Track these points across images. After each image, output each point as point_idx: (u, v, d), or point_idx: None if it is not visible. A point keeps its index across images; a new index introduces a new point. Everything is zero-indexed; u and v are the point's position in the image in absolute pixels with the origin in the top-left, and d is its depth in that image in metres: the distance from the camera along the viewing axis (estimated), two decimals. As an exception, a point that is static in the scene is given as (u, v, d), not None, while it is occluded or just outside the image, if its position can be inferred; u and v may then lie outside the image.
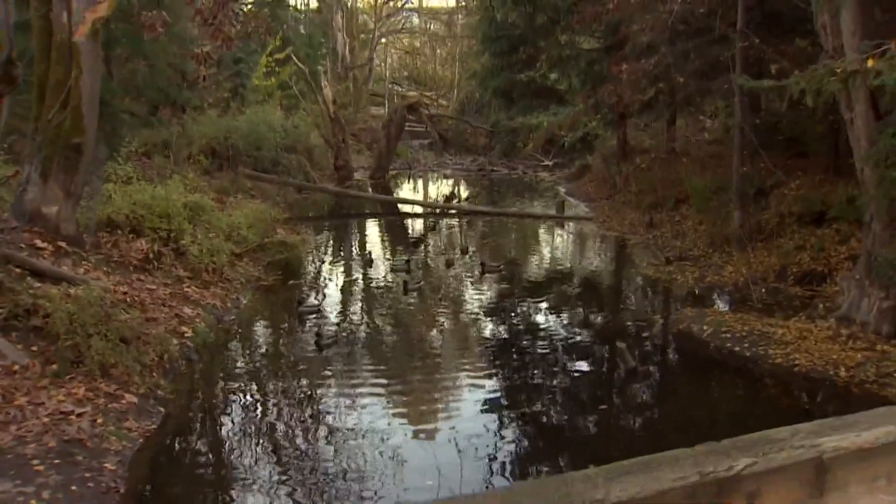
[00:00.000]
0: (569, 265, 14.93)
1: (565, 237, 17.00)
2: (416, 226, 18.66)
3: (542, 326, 10.57)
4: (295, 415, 7.58)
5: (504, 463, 6.56)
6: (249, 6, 27.80)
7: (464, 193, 23.13)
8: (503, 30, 20.76)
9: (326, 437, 6.92)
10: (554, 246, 16.58)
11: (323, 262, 14.25)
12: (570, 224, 17.66)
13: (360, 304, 11.77)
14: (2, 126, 7.24)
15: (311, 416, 7.49)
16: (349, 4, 38.20)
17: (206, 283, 10.67)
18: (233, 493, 6.04)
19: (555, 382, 8.53)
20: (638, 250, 14.82)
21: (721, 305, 11.15)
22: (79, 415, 6.40)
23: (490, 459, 6.53)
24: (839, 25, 9.76)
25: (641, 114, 19.52)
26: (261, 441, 6.89)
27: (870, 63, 6.95)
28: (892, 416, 1.12)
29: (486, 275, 12.61)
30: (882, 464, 1.11)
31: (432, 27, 44.88)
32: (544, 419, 7.62)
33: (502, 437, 7.02)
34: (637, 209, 16.79)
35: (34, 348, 7.19)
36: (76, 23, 9.18)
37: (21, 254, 8.56)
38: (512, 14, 20.37)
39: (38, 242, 9.11)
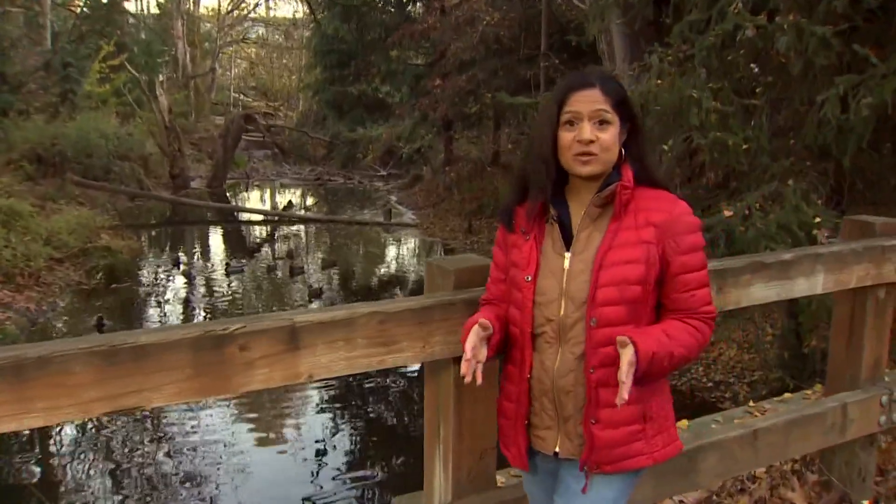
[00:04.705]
0: (384, 266, 15.85)
1: (392, 243, 17.83)
2: (252, 232, 18.99)
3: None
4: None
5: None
6: (82, 8, 27.24)
7: (299, 202, 23.54)
8: (333, 44, 21.42)
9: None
10: (380, 251, 17.36)
11: (152, 268, 14.44)
12: (398, 230, 18.51)
13: (179, 301, 12.17)
14: None
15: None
16: (191, 12, 37.76)
17: (20, 286, 10.79)
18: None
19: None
20: (455, 254, 15.82)
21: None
22: None
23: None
24: (614, 52, 11.27)
25: (466, 126, 20.66)
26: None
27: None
28: (374, 305, 1.92)
29: (295, 276, 13.32)
30: (339, 332, 1.87)
31: (275, 38, 44.93)
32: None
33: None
34: (459, 216, 17.81)
35: None
36: None
37: None
38: (341, 29, 21.08)
39: None
